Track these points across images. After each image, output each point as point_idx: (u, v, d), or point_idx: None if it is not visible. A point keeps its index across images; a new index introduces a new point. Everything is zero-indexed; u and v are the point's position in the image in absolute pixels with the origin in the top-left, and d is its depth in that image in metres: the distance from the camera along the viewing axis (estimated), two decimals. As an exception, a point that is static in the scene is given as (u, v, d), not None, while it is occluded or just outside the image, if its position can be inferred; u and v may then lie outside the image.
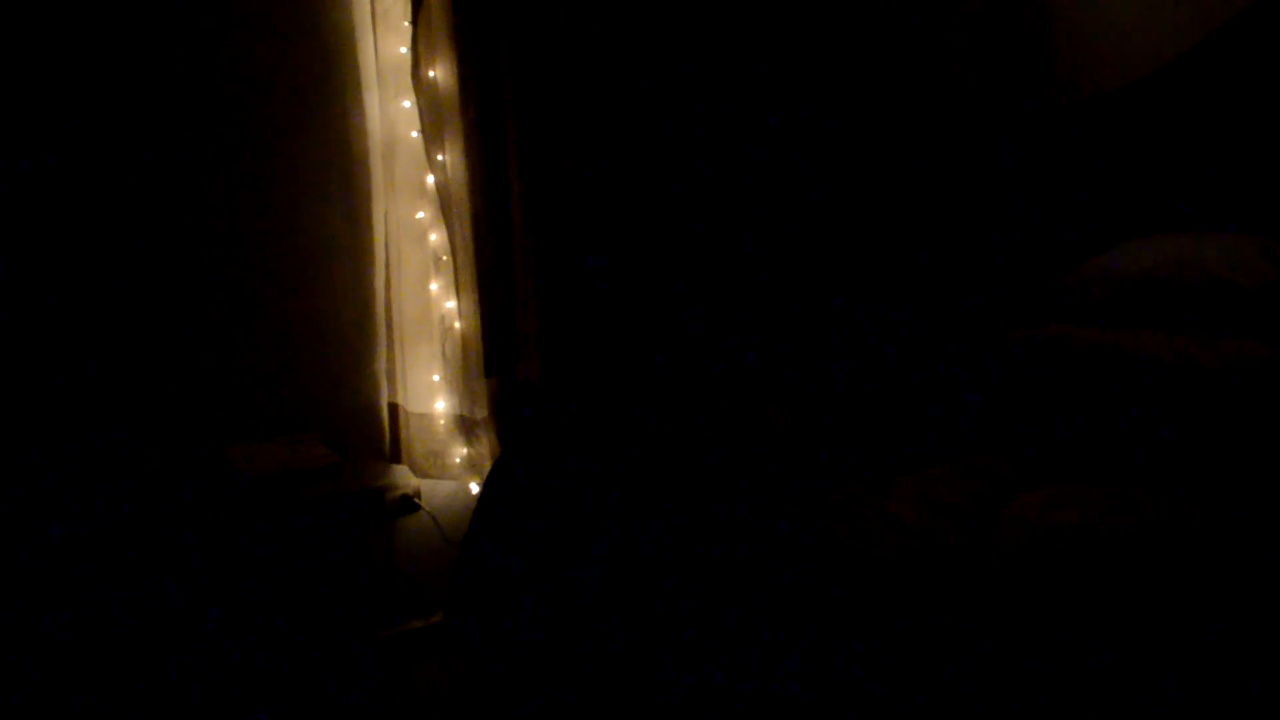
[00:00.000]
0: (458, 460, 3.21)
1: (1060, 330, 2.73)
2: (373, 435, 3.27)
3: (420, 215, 3.17)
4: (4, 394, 2.66)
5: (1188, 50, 3.18)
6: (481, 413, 3.11)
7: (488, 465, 3.04)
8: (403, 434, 3.30)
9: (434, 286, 3.19)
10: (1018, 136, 3.58)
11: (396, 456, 3.31)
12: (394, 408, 3.30)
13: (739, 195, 3.41)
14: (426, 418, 3.24)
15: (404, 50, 3.08)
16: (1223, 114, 3.10)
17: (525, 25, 3.04)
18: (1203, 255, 2.73)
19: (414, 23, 2.97)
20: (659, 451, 2.03)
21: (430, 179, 3.08)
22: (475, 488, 3.14)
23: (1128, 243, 2.97)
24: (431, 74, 3.02)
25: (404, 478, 3.22)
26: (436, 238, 3.15)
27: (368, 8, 3.13)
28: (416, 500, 3.19)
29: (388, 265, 3.22)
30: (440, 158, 3.04)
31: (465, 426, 3.17)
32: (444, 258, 3.13)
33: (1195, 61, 3.16)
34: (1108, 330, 2.65)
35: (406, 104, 3.11)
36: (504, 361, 3.11)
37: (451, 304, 3.12)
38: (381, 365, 3.26)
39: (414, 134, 3.11)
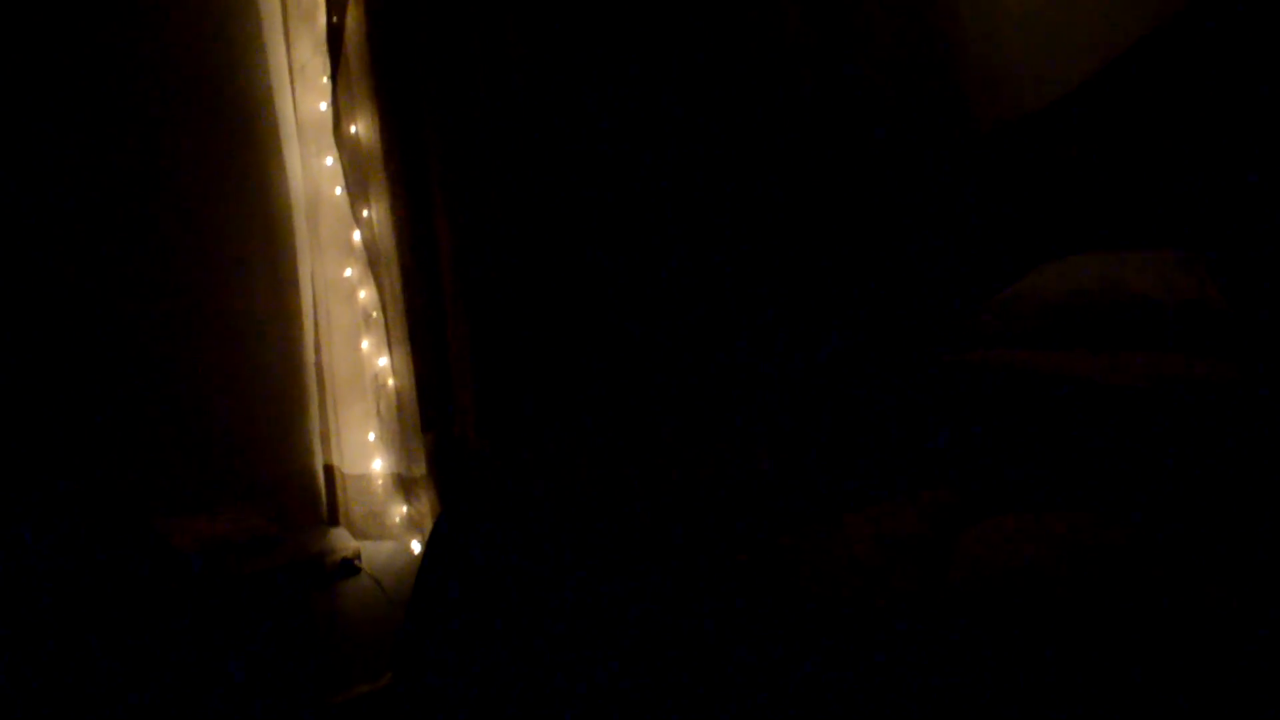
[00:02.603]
0: (398, 520, 3.15)
1: (988, 354, 2.76)
2: (309, 499, 3.21)
3: (348, 273, 3.13)
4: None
5: (1089, 77, 3.27)
6: (419, 470, 3.06)
7: (428, 523, 2.99)
8: (340, 496, 3.24)
9: (365, 344, 3.15)
10: (938, 166, 3.64)
11: (335, 519, 3.25)
12: (329, 469, 3.24)
13: (670, 235, 3.41)
14: (364, 478, 3.19)
15: (324, 107, 3.05)
16: (1130, 134, 3.19)
17: (446, 78, 3.03)
18: (1123, 273, 2.80)
19: (333, 79, 2.95)
20: (600, 505, 2.01)
21: (357, 235, 3.04)
22: (417, 546, 3.09)
23: (1049, 264, 3.03)
24: (353, 129, 2.99)
25: (343, 540, 3.16)
26: (366, 294, 3.11)
27: (284, 65, 3.10)
28: (357, 563, 3.12)
29: (316, 325, 3.18)
30: (366, 213, 3.01)
31: (404, 485, 3.12)
32: (374, 314, 3.09)
33: (1100, 86, 3.25)
34: (1034, 352, 2.69)
35: (329, 160, 3.07)
36: (440, 416, 3.07)
37: (384, 361, 3.08)
38: (315, 427, 3.20)
39: (338, 190, 3.07)
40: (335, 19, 2.93)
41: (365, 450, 3.19)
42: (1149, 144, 3.14)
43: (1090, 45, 3.28)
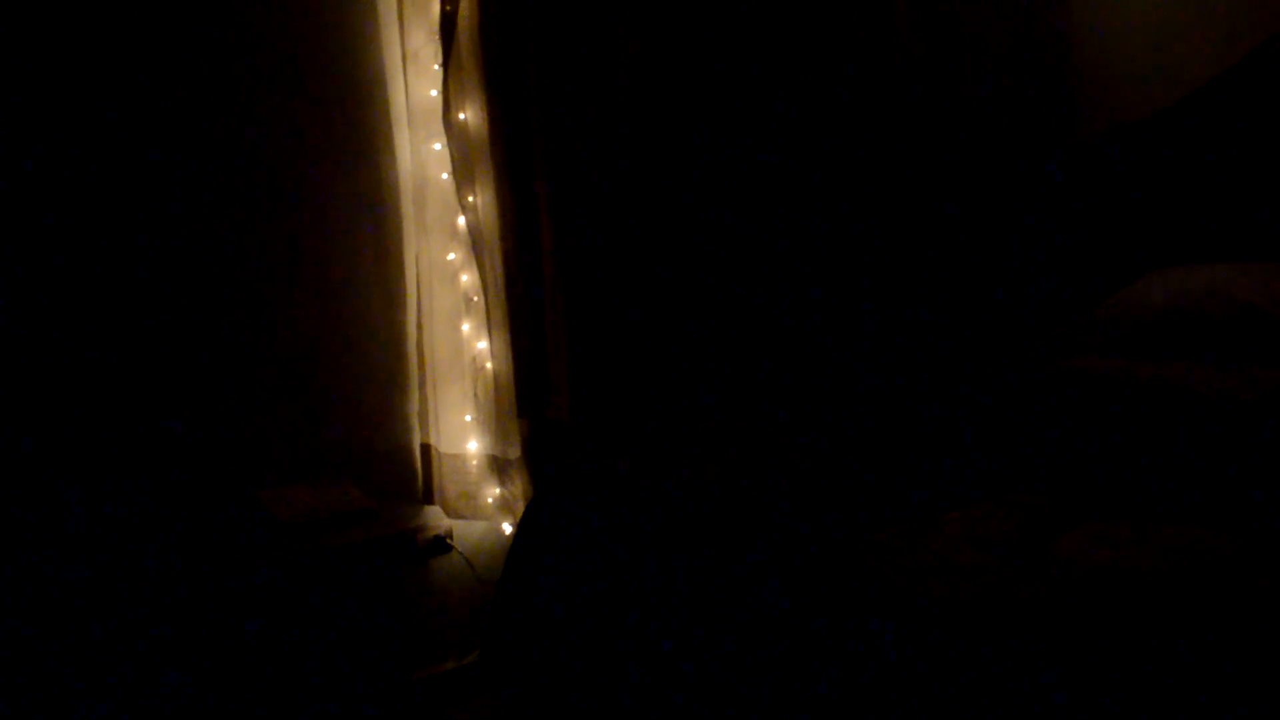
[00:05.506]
0: (490, 500, 3.21)
1: (1092, 361, 2.73)
2: (405, 476, 3.29)
3: (451, 256, 3.20)
4: (44, 442, 2.69)
5: (1203, 84, 3.19)
6: (514, 453, 3.12)
7: (521, 506, 3.05)
8: (435, 474, 3.31)
9: (465, 327, 3.21)
10: (1045, 171, 3.59)
11: (429, 497, 3.32)
12: (426, 448, 3.31)
13: (771, 232, 3.42)
14: (459, 458, 3.25)
15: (434, 93, 3.12)
16: (1245, 144, 3.10)
17: (554, 69, 3.07)
18: (1233, 285, 2.73)
19: (445, 66, 3.01)
20: (691, 493, 2.03)
21: (461, 220, 3.10)
22: (508, 528, 3.15)
23: (1156, 273, 2.97)
24: (462, 116, 3.06)
25: (436, 518, 3.22)
26: (468, 278, 3.17)
27: (398, 51, 3.18)
28: (449, 541, 3.19)
29: (419, 306, 3.25)
30: (471, 199, 3.07)
31: (498, 467, 3.18)
32: (475, 298, 3.15)
33: (1215, 92, 3.17)
34: (1137, 361, 2.65)
35: (437, 146, 3.14)
36: (536, 401, 3.12)
37: (483, 344, 3.14)
38: (414, 406, 3.28)
39: (444, 175, 3.14)
40: (449, 7, 2.99)
41: (462, 431, 3.25)
42: (1256, 156, 3.06)
43: (1214, 46, 3.19)
